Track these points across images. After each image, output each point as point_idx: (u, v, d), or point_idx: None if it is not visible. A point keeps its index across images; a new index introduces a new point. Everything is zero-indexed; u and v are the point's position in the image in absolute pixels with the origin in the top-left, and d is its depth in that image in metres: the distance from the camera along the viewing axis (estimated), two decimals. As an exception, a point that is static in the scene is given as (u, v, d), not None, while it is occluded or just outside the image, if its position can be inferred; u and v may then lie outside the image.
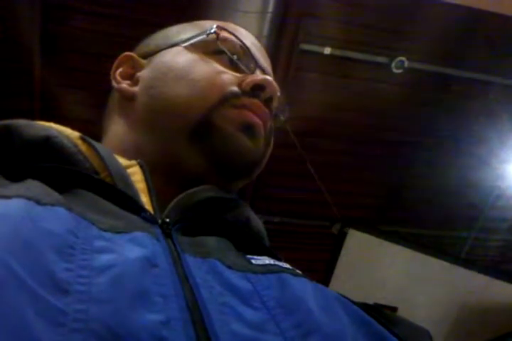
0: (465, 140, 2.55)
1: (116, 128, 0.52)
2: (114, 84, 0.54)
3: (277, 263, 0.41)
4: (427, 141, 2.55)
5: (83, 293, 0.27)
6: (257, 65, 0.53)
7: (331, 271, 2.52)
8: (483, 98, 2.40)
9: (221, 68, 0.50)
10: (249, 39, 0.55)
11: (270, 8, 1.76)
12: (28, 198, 0.31)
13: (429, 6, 1.98)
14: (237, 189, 0.52)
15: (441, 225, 2.84)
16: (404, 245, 2.43)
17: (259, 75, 0.51)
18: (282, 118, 0.58)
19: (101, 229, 0.32)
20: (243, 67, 0.52)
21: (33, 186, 0.34)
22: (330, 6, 1.98)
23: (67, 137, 0.41)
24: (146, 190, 0.41)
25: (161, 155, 0.48)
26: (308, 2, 1.98)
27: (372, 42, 2.09)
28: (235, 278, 0.35)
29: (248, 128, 0.48)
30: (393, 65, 2.14)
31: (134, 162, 0.44)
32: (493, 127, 2.45)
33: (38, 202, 0.31)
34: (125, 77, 0.54)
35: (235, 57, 0.52)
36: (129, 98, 0.52)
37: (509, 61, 2.21)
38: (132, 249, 0.32)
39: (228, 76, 0.50)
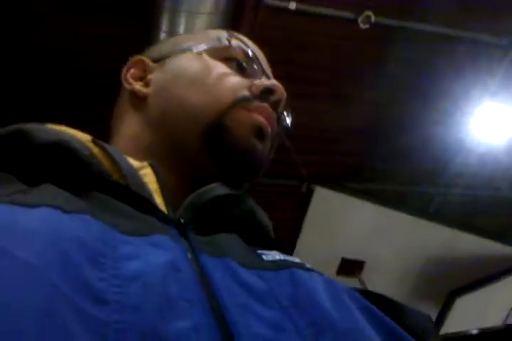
0: (431, 95, 2.55)
1: (127, 129, 0.53)
2: (125, 85, 0.55)
3: (287, 258, 0.42)
4: (394, 97, 2.55)
5: (118, 302, 0.28)
6: (263, 71, 0.56)
7: (299, 229, 2.57)
8: (450, 53, 2.38)
9: (232, 73, 0.52)
10: (254, 47, 0.58)
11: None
12: (54, 207, 0.32)
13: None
14: (242, 187, 0.53)
15: (407, 181, 2.89)
16: (369, 200, 2.48)
17: (267, 80, 0.54)
18: (287, 122, 0.59)
19: (123, 233, 0.33)
20: (251, 73, 0.54)
21: (54, 192, 0.35)
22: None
23: (79, 140, 0.41)
24: (159, 191, 0.42)
25: (172, 156, 0.49)
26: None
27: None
28: (249, 276, 0.36)
29: (258, 131, 0.49)
30: (360, 20, 2.09)
31: (145, 163, 0.44)
32: (458, 81, 2.45)
33: (63, 210, 0.32)
34: (136, 78, 0.55)
35: (244, 64, 0.54)
36: (141, 99, 0.53)
37: (476, 15, 2.18)
38: (155, 252, 0.33)
39: (239, 80, 0.52)
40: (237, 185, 0.51)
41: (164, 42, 0.60)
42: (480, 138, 2.71)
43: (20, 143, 0.40)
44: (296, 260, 0.42)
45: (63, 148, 0.40)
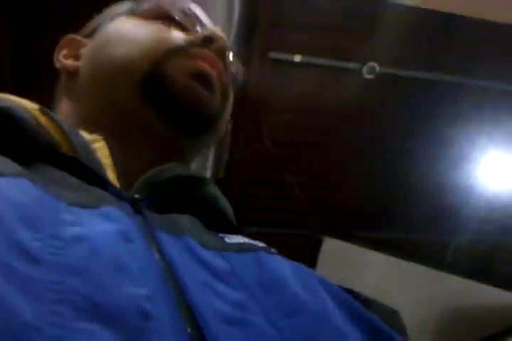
0: (438, 143, 2.55)
1: (66, 108, 0.49)
2: (57, 65, 0.52)
3: (252, 241, 0.39)
4: (402, 146, 2.54)
5: (56, 263, 0.25)
6: (202, 24, 0.52)
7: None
8: (456, 101, 2.40)
9: (166, 28, 0.48)
10: (189, 3, 0.54)
11: (234, 21, 1.72)
12: None
13: (395, 10, 1.97)
14: (201, 148, 0.50)
15: (419, 229, 2.85)
16: (382, 251, 2.43)
17: (207, 30, 0.49)
18: (237, 73, 0.55)
19: (67, 203, 0.30)
20: (189, 28, 0.50)
21: None
22: (295, 14, 1.97)
23: (25, 109, 0.38)
24: (111, 166, 0.39)
25: (119, 126, 0.45)
26: (272, 12, 1.95)
27: (343, 49, 2.07)
28: (210, 256, 0.33)
29: (201, 77, 0.45)
30: (364, 70, 2.12)
31: (98, 137, 0.41)
32: (464, 129, 2.46)
33: (1, 174, 0.29)
34: (68, 57, 0.52)
35: (178, 18, 0.50)
36: (72, 73, 0.50)
37: (482, 64, 2.21)
38: (104, 223, 0.30)
39: (175, 33, 0.48)
40: (193, 146, 0.48)
41: (95, 18, 0.56)
42: (488, 185, 2.70)
43: None
44: (261, 244, 0.39)
45: (7, 116, 0.36)
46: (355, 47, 2.09)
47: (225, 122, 0.49)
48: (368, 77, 2.13)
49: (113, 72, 0.45)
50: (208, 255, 0.33)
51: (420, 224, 2.88)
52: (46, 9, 1.81)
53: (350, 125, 2.37)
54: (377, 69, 2.12)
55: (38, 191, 0.29)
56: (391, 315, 0.39)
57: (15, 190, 0.28)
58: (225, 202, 0.47)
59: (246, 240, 0.39)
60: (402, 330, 0.38)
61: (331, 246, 2.48)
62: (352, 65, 2.12)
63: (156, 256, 0.30)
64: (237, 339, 0.27)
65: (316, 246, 2.48)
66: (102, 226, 0.29)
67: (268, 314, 0.30)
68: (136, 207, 0.35)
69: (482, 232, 2.85)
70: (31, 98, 0.41)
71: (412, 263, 2.47)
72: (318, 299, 0.34)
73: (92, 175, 0.36)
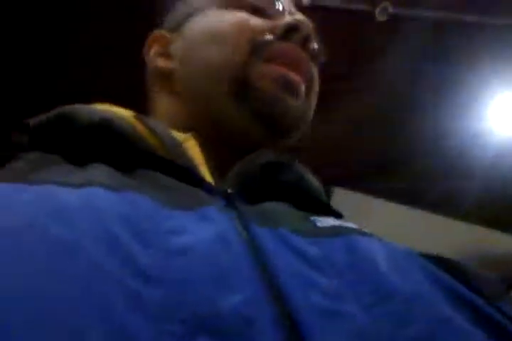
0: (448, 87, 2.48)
1: (161, 109, 0.52)
2: (149, 64, 0.54)
3: (343, 223, 0.40)
4: (411, 92, 2.48)
5: (159, 277, 0.26)
6: (284, 10, 0.52)
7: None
8: (466, 42, 2.31)
9: (249, 18, 0.49)
10: None
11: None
12: (99, 185, 0.31)
13: None
14: (287, 144, 0.52)
15: (426, 177, 2.81)
16: (393, 200, 2.41)
17: (289, 16, 0.50)
18: (322, 58, 0.56)
19: (169, 207, 0.32)
20: (272, 14, 0.50)
21: (99, 171, 0.35)
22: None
23: (122, 118, 0.41)
24: (204, 163, 0.41)
25: (210, 125, 0.47)
26: None
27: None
28: (304, 244, 0.34)
29: (287, 85, 0.46)
30: (377, 12, 2.01)
31: (188, 136, 0.43)
32: (476, 71, 2.38)
33: (108, 188, 0.31)
34: (159, 55, 0.54)
35: (260, 5, 0.51)
36: (167, 74, 0.52)
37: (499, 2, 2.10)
38: (203, 226, 0.31)
39: (257, 23, 0.48)
40: (280, 146, 0.49)
41: (176, 10, 0.58)
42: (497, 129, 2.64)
43: (64, 125, 0.40)
44: (353, 225, 0.41)
45: (106, 127, 0.39)
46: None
47: (310, 117, 0.51)
48: (381, 19, 2.02)
49: (206, 77, 0.47)
50: (300, 242, 0.34)
51: (428, 171, 2.86)
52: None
53: (361, 71, 2.29)
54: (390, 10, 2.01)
55: (145, 202, 0.31)
56: (497, 286, 0.38)
57: (124, 204, 0.30)
58: (315, 183, 0.48)
59: (338, 222, 0.40)
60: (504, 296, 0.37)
61: (341, 196, 2.47)
62: (363, 7, 2.00)
63: (253, 253, 0.31)
64: (333, 332, 0.28)
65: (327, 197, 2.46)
66: (202, 231, 0.31)
67: (361, 300, 0.30)
68: (231, 202, 0.37)
69: (492, 178, 2.83)
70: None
71: (420, 211, 2.47)
72: (411, 282, 0.33)
73: (187, 175, 0.38)
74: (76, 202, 0.29)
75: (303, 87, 0.48)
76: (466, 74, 2.39)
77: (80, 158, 0.37)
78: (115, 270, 0.25)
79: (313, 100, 0.51)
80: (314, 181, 0.48)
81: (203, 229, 0.31)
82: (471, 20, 2.22)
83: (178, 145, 0.40)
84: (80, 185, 0.31)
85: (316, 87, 0.52)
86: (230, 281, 0.28)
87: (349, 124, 2.52)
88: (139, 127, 0.40)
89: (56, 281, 0.23)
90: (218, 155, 0.44)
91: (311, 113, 0.51)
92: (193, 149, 0.41)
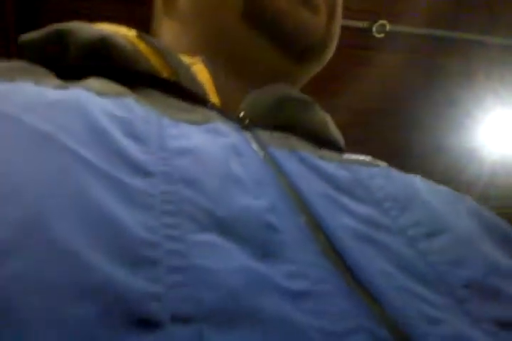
0: (443, 102, 2.50)
1: (166, 35, 0.46)
2: None
3: (374, 160, 0.36)
4: (407, 106, 2.49)
5: (170, 174, 0.23)
6: None
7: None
8: (463, 58, 2.33)
9: None
10: None
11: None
12: (87, 89, 0.27)
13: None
14: (306, 76, 0.45)
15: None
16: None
17: None
18: None
19: (172, 119, 0.28)
20: None
21: (92, 80, 0.30)
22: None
23: (124, 36, 0.37)
24: (214, 90, 0.36)
25: (221, 52, 0.41)
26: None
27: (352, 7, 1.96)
28: (330, 167, 0.30)
29: (308, 2, 0.40)
30: (374, 29, 2.02)
31: (197, 59, 0.38)
32: (471, 88, 2.39)
33: (99, 93, 0.27)
34: None
35: None
36: None
37: (494, 20, 2.12)
38: (213, 137, 0.27)
39: None
40: (301, 75, 0.43)
41: None
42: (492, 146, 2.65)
43: (59, 42, 0.35)
44: (385, 163, 0.36)
45: (107, 45, 0.35)
46: (363, 4, 1.97)
47: (334, 45, 0.44)
48: (378, 36, 2.03)
49: None
50: (327, 166, 0.30)
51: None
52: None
53: (356, 85, 2.29)
54: (388, 27, 2.02)
55: (142, 109, 0.27)
56: None
57: (119, 108, 0.26)
58: (334, 128, 0.43)
59: (364, 157, 0.36)
60: None
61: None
62: (361, 24, 2.01)
63: (271, 169, 0.27)
64: (372, 255, 0.24)
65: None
66: (210, 140, 0.27)
67: (405, 232, 0.26)
68: (244, 126, 0.32)
69: (486, 196, 2.84)
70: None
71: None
72: (460, 219, 0.30)
73: (195, 98, 0.34)
74: (55, 97, 0.24)
75: (323, 3, 0.42)
76: (460, 91, 2.41)
77: (73, 77, 0.32)
78: (100, 161, 0.21)
79: (336, 31, 0.44)
80: (333, 126, 0.43)
81: (210, 138, 0.27)
82: (467, 39, 2.24)
83: (185, 68, 0.36)
84: (65, 87, 0.27)
85: (339, 17, 0.44)
86: (247, 186, 0.24)
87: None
88: (142, 47, 0.37)
89: (29, 168, 0.19)
90: (229, 84, 0.39)
91: (336, 37, 0.44)
92: (201, 73, 0.37)
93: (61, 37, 0.35)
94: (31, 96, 0.24)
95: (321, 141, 0.38)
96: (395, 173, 0.33)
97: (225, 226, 0.21)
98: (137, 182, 0.21)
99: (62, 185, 0.19)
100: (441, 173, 2.80)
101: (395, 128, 2.57)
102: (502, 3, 2.08)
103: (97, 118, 0.24)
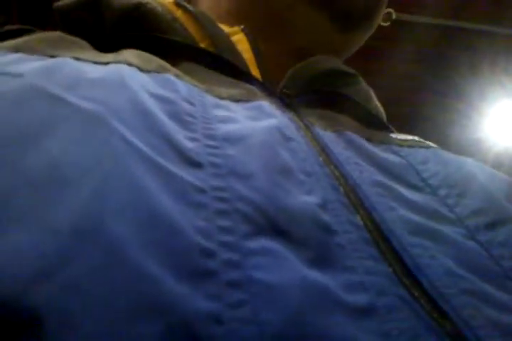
0: (448, 94, 2.49)
1: (202, 3, 0.43)
2: None
3: (421, 140, 0.34)
4: (413, 98, 2.49)
5: (219, 166, 0.21)
6: None
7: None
8: (468, 49, 2.33)
9: None
10: None
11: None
12: (129, 64, 0.25)
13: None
14: (353, 47, 0.43)
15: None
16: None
17: None
18: None
19: (217, 97, 0.27)
20: None
21: (131, 54, 0.28)
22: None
23: (161, 3, 0.35)
24: (254, 61, 0.35)
25: (262, 15, 0.39)
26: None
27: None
28: (380, 151, 0.29)
29: None
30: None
31: (237, 28, 0.37)
32: (475, 80, 2.39)
33: (141, 69, 0.26)
34: None
35: None
36: None
37: (501, 10, 2.12)
38: (259, 118, 0.26)
39: None
40: (348, 43, 0.41)
41: None
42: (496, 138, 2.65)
43: (95, 9, 0.34)
44: (432, 144, 0.34)
45: (143, 12, 0.33)
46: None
47: (381, 13, 0.41)
48: (384, 24, 2.02)
49: None
50: (376, 150, 0.29)
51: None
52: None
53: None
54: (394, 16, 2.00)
55: (184, 86, 0.25)
56: None
57: (160, 86, 0.24)
58: (377, 102, 0.41)
59: (412, 137, 0.34)
60: None
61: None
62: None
63: (321, 156, 0.25)
64: (435, 253, 0.22)
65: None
66: (258, 122, 0.25)
67: (464, 223, 0.25)
68: (288, 102, 0.31)
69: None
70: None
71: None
72: None
73: (235, 70, 0.32)
74: (98, 75, 0.23)
75: None
76: (465, 82, 2.41)
77: (108, 46, 0.31)
78: (149, 150, 0.20)
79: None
80: (376, 100, 0.41)
81: (257, 120, 0.25)
82: (472, 29, 2.23)
83: (225, 38, 0.35)
84: (106, 63, 0.25)
85: None
86: (299, 179, 0.22)
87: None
88: (180, 14, 0.35)
89: (83, 157, 0.18)
90: (270, 55, 0.37)
91: (381, 13, 0.42)
92: (242, 44, 0.35)
93: (96, 3, 0.34)
94: (73, 73, 0.23)
95: (366, 116, 0.37)
96: (447, 155, 0.31)
97: (279, 228, 0.19)
98: (187, 174, 0.20)
99: (117, 179, 0.17)
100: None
101: (399, 119, 2.57)
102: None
103: (142, 98, 0.22)
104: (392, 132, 0.37)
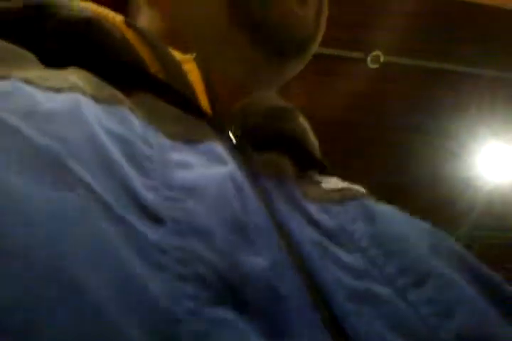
0: (436, 134, 2.53)
1: (146, 21, 0.41)
2: None
3: (350, 186, 0.35)
4: (401, 137, 2.53)
5: (179, 221, 0.20)
6: None
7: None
8: (457, 91, 2.38)
9: None
10: None
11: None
12: (83, 93, 0.24)
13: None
14: (291, 73, 0.42)
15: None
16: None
17: None
18: None
19: (168, 136, 0.26)
20: None
21: (83, 76, 0.27)
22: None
23: (111, 21, 0.33)
24: (204, 93, 0.34)
25: (205, 43, 0.38)
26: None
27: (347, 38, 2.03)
28: (315, 211, 0.29)
29: None
30: (369, 60, 2.09)
31: (189, 57, 0.35)
32: (463, 120, 2.44)
33: (95, 99, 0.25)
34: None
35: None
36: None
37: (484, 52, 2.19)
38: (210, 163, 0.26)
39: None
40: (284, 71, 0.40)
41: None
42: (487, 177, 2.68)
43: (39, 18, 0.31)
44: (362, 189, 0.36)
45: (90, 29, 0.31)
46: (358, 35, 2.04)
47: (319, 40, 0.41)
48: (372, 66, 2.09)
49: None
50: (312, 209, 0.29)
51: (418, 215, 2.85)
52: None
53: (351, 115, 2.34)
54: (382, 58, 2.08)
55: (140, 124, 0.25)
56: None
57: (116, 121, 0.24)
58: (313, 137, 0.42)
59: (344, 184, 0.35)
60: None
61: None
62: (356, 55, 2.07)
63: (266, 208, 0.26)
64: (370, 319, 0.23)
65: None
66: (210, 169, 0.25)
67: (393, 283, 0.25)
68: (236, 144, 0.32)
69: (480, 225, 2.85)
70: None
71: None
72: (444, 262, 0.28)
73: (187, 103, 0.31)
74: (52, 105, 0.22)
75: None
76: (452, 122, 2.45)
77: (50, 59, 0.29)
78: (113, 201, 0.19)
79: (322, 24, 0.41)
80: (312, 135, 0.42)
81: (210, 166, 0.26)
82: (457, 71, 2.30)
83: (177, 66, 0.33)
84: (59, 89, 0.24)
85: (325, 12, 0.41)
86: (250, 237, 0.23)
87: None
88: (130, 35, 0.33)
89: (45, 204, 0.17)
90: (216, 85, 0.36)
91: (322, 30, 0.41)
92: (192, 74, 0.33)
93: (40, 11, 0.31)
94: (27, 101, 0.22)
95: (303, 154, 0.39)
96: (373, 208, 0.32)
97: (237, 294, 0.20)
98: (150, 231, 0.19)
99: (84, 237, 0.17)
100: (437, 202, 2.83)
101: (389, 158, 2.61)
102: (492, 37, 2.15)
103: (99, 136, 0.22)
104: (325, 171, 0.39)
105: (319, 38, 0.41)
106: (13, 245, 0.16)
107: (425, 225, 0.32)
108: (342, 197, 0.32)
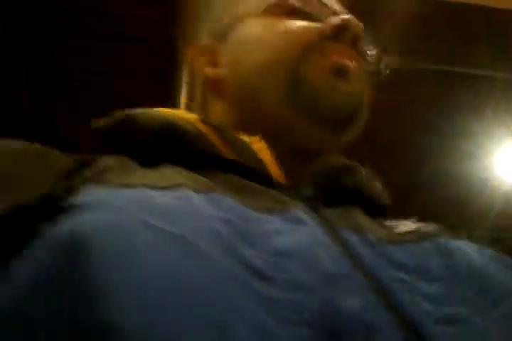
0: (453, 135, 2.54)
1: (217, 116, 0.49)
2: (199, 76, 0.54)
3: (424, 225, 0.39)
4: (418, 139, 2.53)
5: (285, 280, 0.25)
6: (331, 11, 0.50)
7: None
8: (472, 93, 2.38)
9: (296, 23, 0.48)
10: None
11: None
12: (186, 186, 0.31)
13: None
14: (345, 142, 0.49)
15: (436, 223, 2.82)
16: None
17: (336, 17, 0.47)
18: (372, 57, 0.55)
19: (256, 210, 0.31)
20: (319, 16, 0.49)
21: (178, 173, 0.34)
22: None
23: (188, 121, 0.40)
24: (276, 167, 0.40)
25: (269, 127, 0.44)
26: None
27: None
28: (394, 252, 0.33)
29: (340, 71, 0.44)
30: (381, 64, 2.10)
31: (257, 138, 0.41)
32: (480, 121, 2.44)
33: (196, 191, 0.31)
34: (207, 65, 0.52)
35: (305, 9, 0.49)
36: (217, 83, 0.50)
37: (499, 54, 2.20)
38: (297, 229, 0.31)
39: (305, 26, 0.47)
40: (340, 142, 0.47)
41: (218, 18, 0.56)
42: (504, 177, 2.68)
43: (128, 129, 0.39)
44: (431, 227, 0.39)
45: (172, 130, 0.39)
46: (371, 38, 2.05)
47: (366, 114, 0.48)
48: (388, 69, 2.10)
49: (257, 82, 0.46)
50: (391, 251, 0.33)
51: (436, 218, 2.84)
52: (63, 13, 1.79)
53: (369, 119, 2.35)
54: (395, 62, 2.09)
55: (234, 205, 0.31)
56: None
57: (216, 208, 0.30)
58: (378, 185, 0.47)
59: (414, 226, 0.39)
60: None
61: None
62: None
63: (351, 260, 0.30)
64: (456, 338, 0.27)
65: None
66: (298, 234, 0.30)
67: (472, 303, 0.29)
68: (313, 206, 0.36)
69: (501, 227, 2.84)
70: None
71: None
72: None
73: (265, 179, 0.37)
74: (169, 202, 0.28)
75: (356, 71, 0.45)
76: (469, 124, 2.46)
77: (144, 160, 0.37)
78: (232, 268, 0.25)
79: (367, 99, 0.48)
80: (378, 185, 0.46)
81: (298, 231, 0.30)
82: (474, 74, 2.31)
83: (247, 147, 0.39)
84: (169, 187, 0.30)
85: (369, 88, 0.48)
86: (342, 284, 0.27)
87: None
88: (205, 129, 0.40)
89: (181, 277, 0.23)
90: (284, 159, 0.41)
91: (366, 111, 0.47)
92: (262, 151, 0.40)
93: (128, 124, 0.40)
94: (154, 203, 0.28)
95: (370, 202, 0.43)
96: (447, 244, 0.35)
97: (336, 334, 0.24)
98: (267, 289, 0.24)
99: (230, 294, 0.23)
100: (455, 203, 2.83)
101: (408, 161, 2.62)
102: (507, 40, 2.16)
103: (212, 222, 0.28)
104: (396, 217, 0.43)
105: (363, 114, 0.47)
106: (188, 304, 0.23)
107: (493, 251, 0.37)
108: (416, 237, 0.36)
